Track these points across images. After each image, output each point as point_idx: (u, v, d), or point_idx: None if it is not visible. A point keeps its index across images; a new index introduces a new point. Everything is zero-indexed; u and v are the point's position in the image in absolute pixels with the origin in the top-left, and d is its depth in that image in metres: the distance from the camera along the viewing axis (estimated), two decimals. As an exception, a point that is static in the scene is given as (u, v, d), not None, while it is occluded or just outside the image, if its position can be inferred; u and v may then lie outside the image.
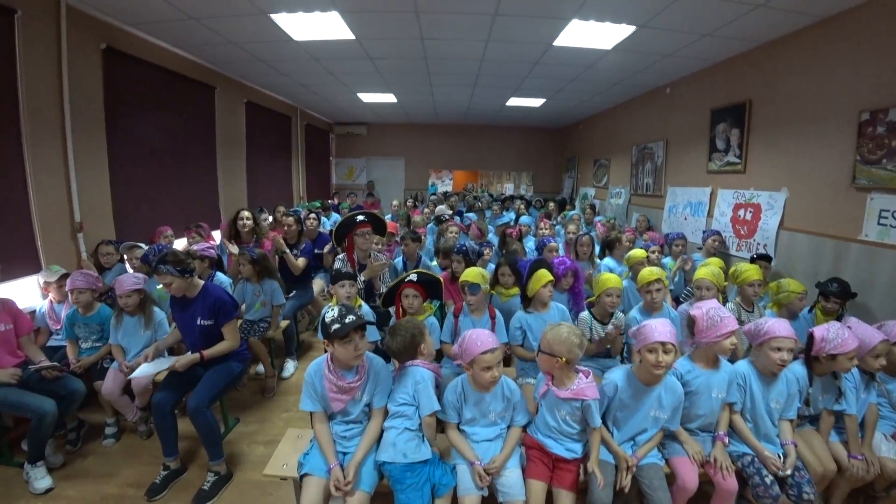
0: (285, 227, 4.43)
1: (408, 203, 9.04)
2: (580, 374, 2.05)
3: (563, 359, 1.97)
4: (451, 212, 7.21)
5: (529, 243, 5.39)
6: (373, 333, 2.98)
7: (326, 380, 2.04)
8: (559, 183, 11.81)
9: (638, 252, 3.91)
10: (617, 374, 2.24)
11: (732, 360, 2.46)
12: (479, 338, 1.99)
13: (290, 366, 4.26)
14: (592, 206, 7.59)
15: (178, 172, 5.37)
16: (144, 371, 2.72)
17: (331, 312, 1.97)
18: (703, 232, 4.97)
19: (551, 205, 8.24)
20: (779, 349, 2.22)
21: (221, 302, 2.79)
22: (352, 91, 7.29)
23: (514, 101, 7.86)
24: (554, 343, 1.99)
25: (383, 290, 3.65)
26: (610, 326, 3.01)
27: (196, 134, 5.70)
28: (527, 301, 3.01)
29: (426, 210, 7.84)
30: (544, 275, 2.86)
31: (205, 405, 2.56)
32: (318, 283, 5.01)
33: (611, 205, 8.22)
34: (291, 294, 4.56)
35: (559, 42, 4.59)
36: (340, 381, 2.03)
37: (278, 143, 8.35)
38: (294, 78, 6.45)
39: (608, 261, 4.56)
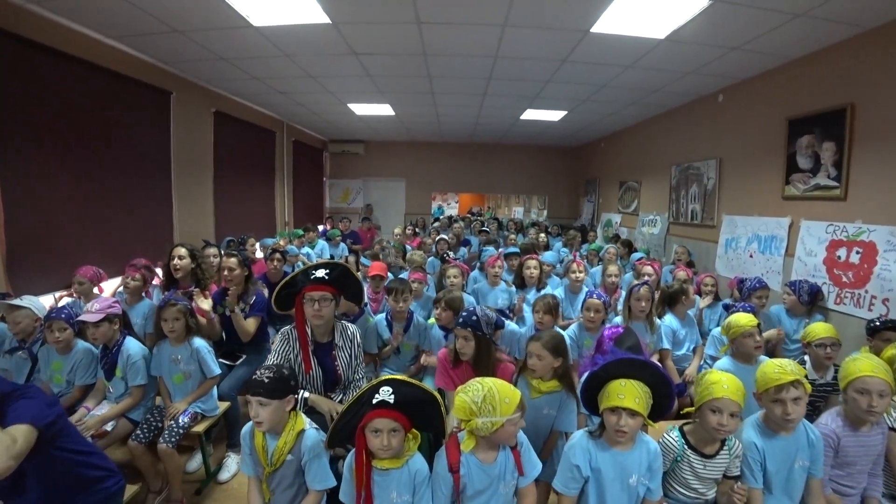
0: (225, 272, 3.24)
1: (406, 231, 7.88)
2: None
3: None
4: (445, 237, 6.02)
5: (557, 290, 4.20)
6: (324, 478, 1.79)
7: None
8: (576, 207, 10.65)
9: (743, 318, 2.58)
10: None
11: None
12: None
13: (231, 463, 3.07)
14: (622, 239, 6.39)
15: (116, 196, 4.27)
16: None
17: None
18: (790, 284, 3.65)
19: (572, 233, 7.06)
20: None
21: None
22: (341, 101, 6.23)
23: (529, 115, 6.77)
24: None
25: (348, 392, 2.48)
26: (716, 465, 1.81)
27: (143, 148, 4.60)
28: (586, 405, 1.82)
29: (427, 240, 6.68)
30: (620, 392, 1.64)
31: None
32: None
33: (642, 234, 7.03)
34: (240, 360, 3.39)
35: (599, 27, 3.48)
36: None
37: (258, 162, 7.27)
38: (269, 83, 5.40)
39: (670, 319, 3.36)
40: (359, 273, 5.24)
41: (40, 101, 3.47)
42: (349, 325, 2.53)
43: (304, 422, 1.83)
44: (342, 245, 7.53)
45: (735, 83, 4.85)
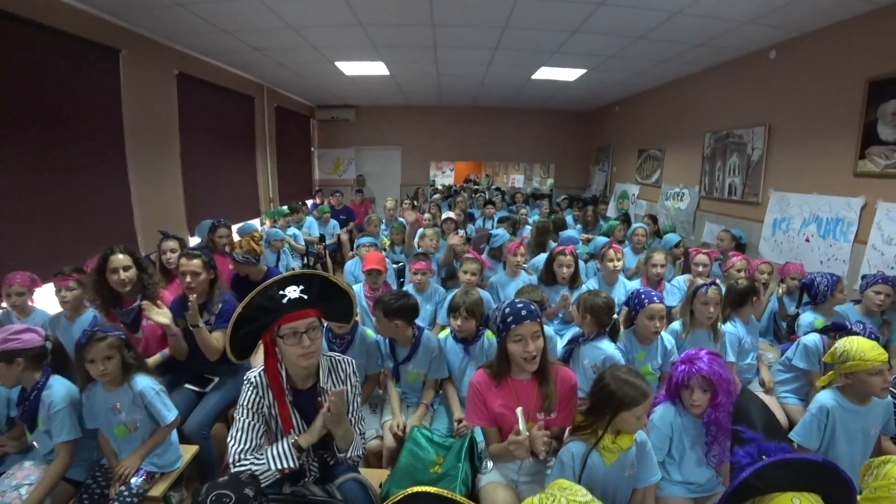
0: (187, 278, 2.54)
1: (403, 205, 7.15)
2: None
3: None
4: (452, 216, 5.30)
5: (590, 282, 3.56)
6: None
7: None
8: (585, 176, 9.92)
9: (870, 349, 1.86)
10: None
11: None
12: None
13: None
14: (648, 214, 5.74)
15: (55, 182, 3.51)
16: None
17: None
18: (866, 277, 3.03)
19: (590, 210, 6.38)
20: None
21: None
22: (327, 58, 5.37)
23: (543, 73, 5.94)
24: None
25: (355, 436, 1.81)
26: None
27: (85, 121, 3.78)
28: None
29: (427, 216, 5.98)
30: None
31: None
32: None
33: (666, 208, 6.37)
34: (211, 385, 2.75)
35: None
36: None
37: (235, 133, 6.40)
38: (240, 37, 4.54)
39: (737, 326, 2.74)
40: (353, 257, 4.58)
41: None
42: (341, 358, 1.88)
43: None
44: (332, 222, 6.83)
45: (794, 37, 4.08)
